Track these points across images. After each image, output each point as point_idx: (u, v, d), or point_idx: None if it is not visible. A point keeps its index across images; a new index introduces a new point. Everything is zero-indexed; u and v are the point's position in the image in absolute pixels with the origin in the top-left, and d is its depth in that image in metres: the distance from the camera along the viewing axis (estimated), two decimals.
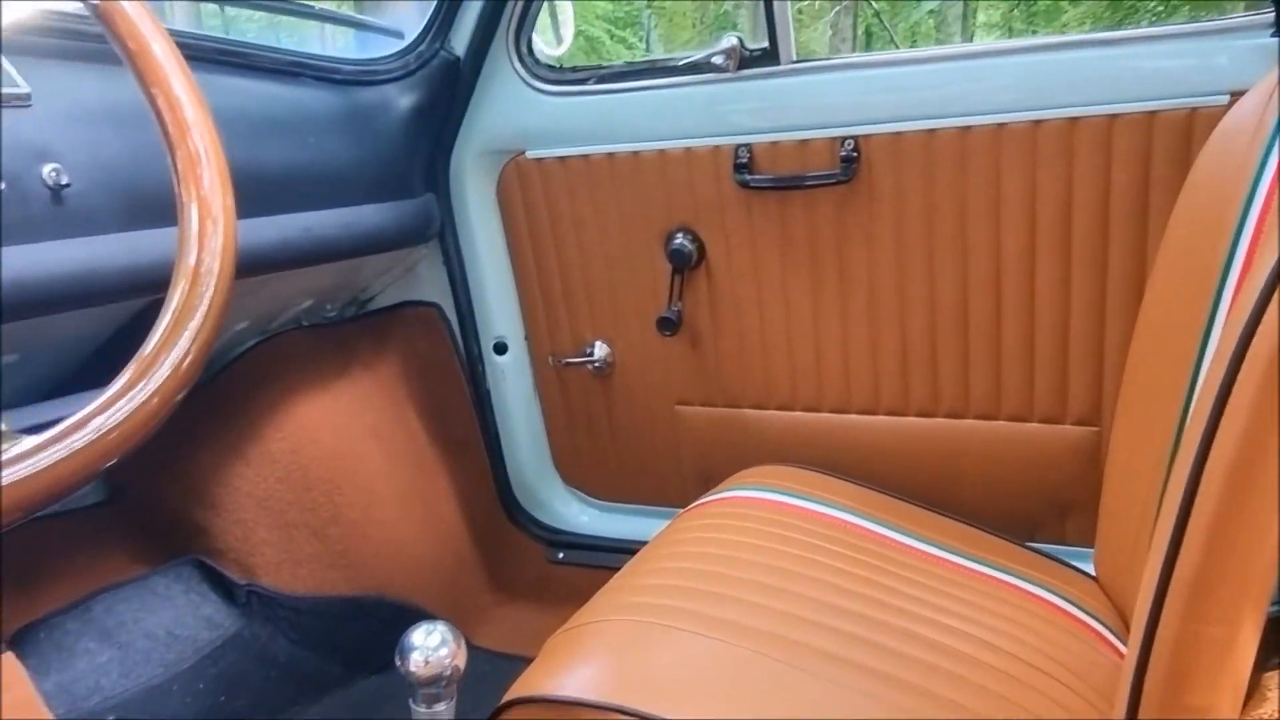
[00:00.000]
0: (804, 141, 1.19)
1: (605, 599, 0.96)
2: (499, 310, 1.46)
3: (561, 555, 1.52)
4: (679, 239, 1.29)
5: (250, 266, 1.08)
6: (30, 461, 0.44)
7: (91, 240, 0.90)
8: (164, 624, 1.36)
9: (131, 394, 0.49)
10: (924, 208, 1.16)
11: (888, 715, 0.73)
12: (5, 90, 0.81)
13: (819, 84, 1.18)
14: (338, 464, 1.39)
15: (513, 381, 1.49)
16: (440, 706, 0.77)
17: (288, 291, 1.28)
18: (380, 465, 1.43)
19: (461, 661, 0.77)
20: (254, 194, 1.07)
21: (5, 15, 0.59)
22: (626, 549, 1.49)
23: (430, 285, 1.47)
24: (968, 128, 1.11)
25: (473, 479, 1.53)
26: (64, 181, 0.87)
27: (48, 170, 0.86)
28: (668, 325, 1.31)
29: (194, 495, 1.42)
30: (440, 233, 1.40)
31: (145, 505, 1.47)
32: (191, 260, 0.55)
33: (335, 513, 1.39)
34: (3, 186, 0.81)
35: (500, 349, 1.48)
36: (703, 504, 1.14)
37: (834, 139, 1.17)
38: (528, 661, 1.48)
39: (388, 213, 1.28)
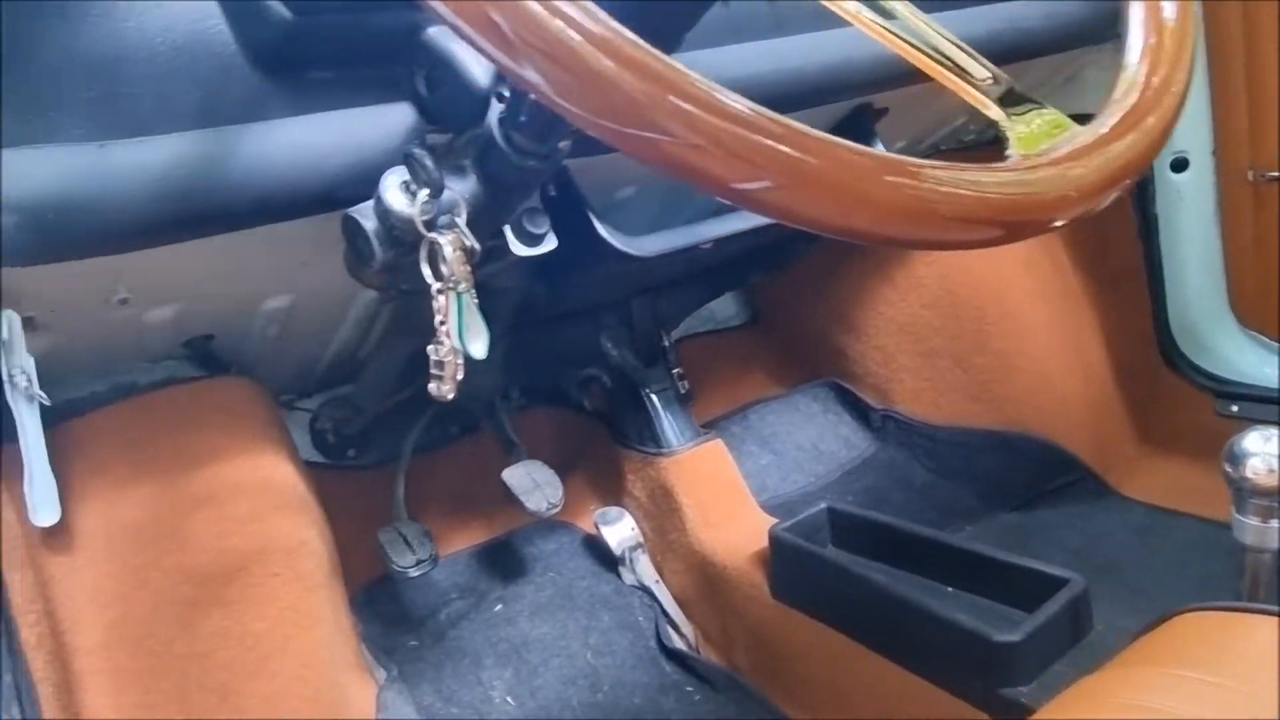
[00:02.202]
0: None
1: None
2: (1183, 120, 1.25)
3: (1236, 409, 1.31)
4: None
5: None
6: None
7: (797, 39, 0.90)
8: (809, 438, 1.44)
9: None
10: None
11: None
12: None
13: None
14: (986, 291, 1.33)
15: (1190, 204, 1.28)
16: (1274, 523, 0.67)
17: (952, 105, 1.21)
18: (1029, 295, 1.34)
19: None
20: None
21: None
22: None
23: (1094, 94, 1.30)
24: None
25: (1127, 316, 1.37)
26: None
27: None
28: None
29: (835, 319, 1.46)
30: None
31: (787, 327, 1.56)
32: None
33: (982, 342, 1.34)
34: None
35: (1178, 166, 1.27)
36: None
37: None
38: (1192, 519, 1.32)
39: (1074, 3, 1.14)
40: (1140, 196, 1.31)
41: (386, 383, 1.07)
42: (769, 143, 0.34)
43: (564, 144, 0.65)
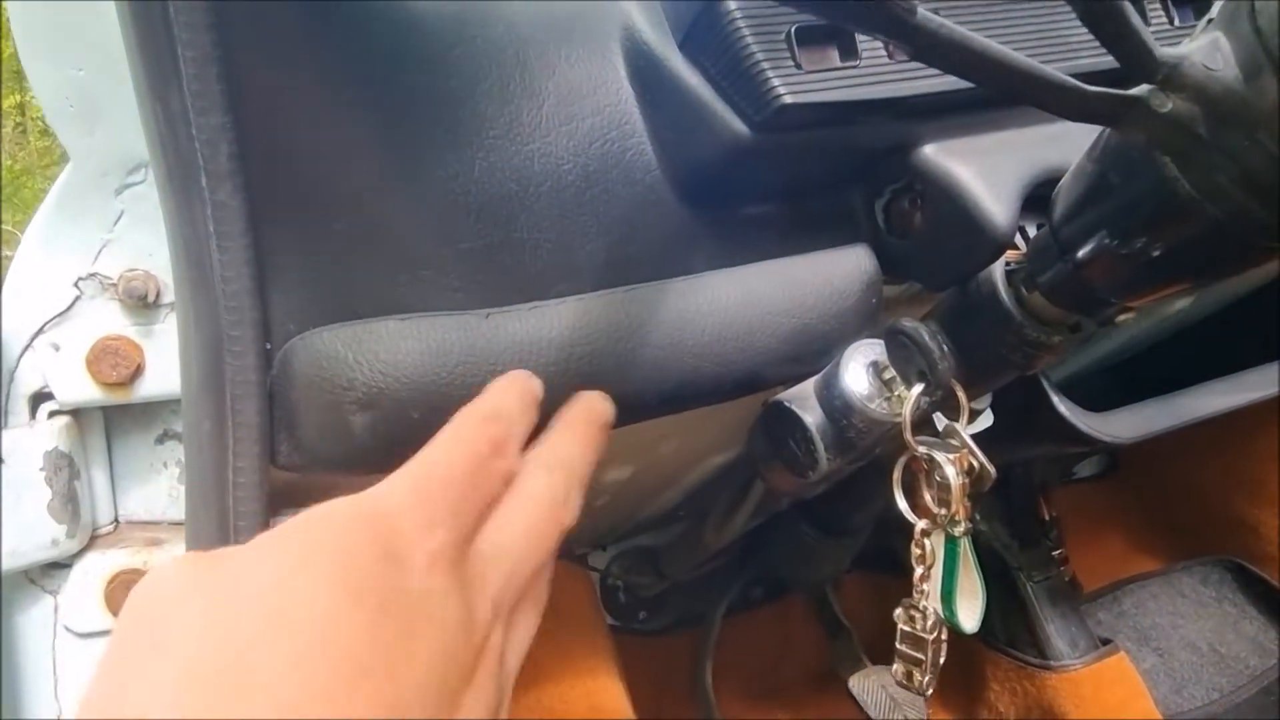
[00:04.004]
0: None
1: None
2: None
3: None
4: None
5: None
6: None
7: None
8: (1203, 636, 1.11)
9: None
10: None
11: None
12: None
13: None
14: None
15: None
16: None
17: None
18: None
19: None
20: None
21: None
22: None
23: None
24: None
25: None
26: None
27: None
28: None
29: (1237, 478, 1.14)
30: None
31: (1160, 482, 1.25)
32: None
33: None
34: None
35: None
36: None
37: None
38: None
39: None
40: None
41: (711, 554, 0.88)
42: None
43: (1125, 315, 0.43)
